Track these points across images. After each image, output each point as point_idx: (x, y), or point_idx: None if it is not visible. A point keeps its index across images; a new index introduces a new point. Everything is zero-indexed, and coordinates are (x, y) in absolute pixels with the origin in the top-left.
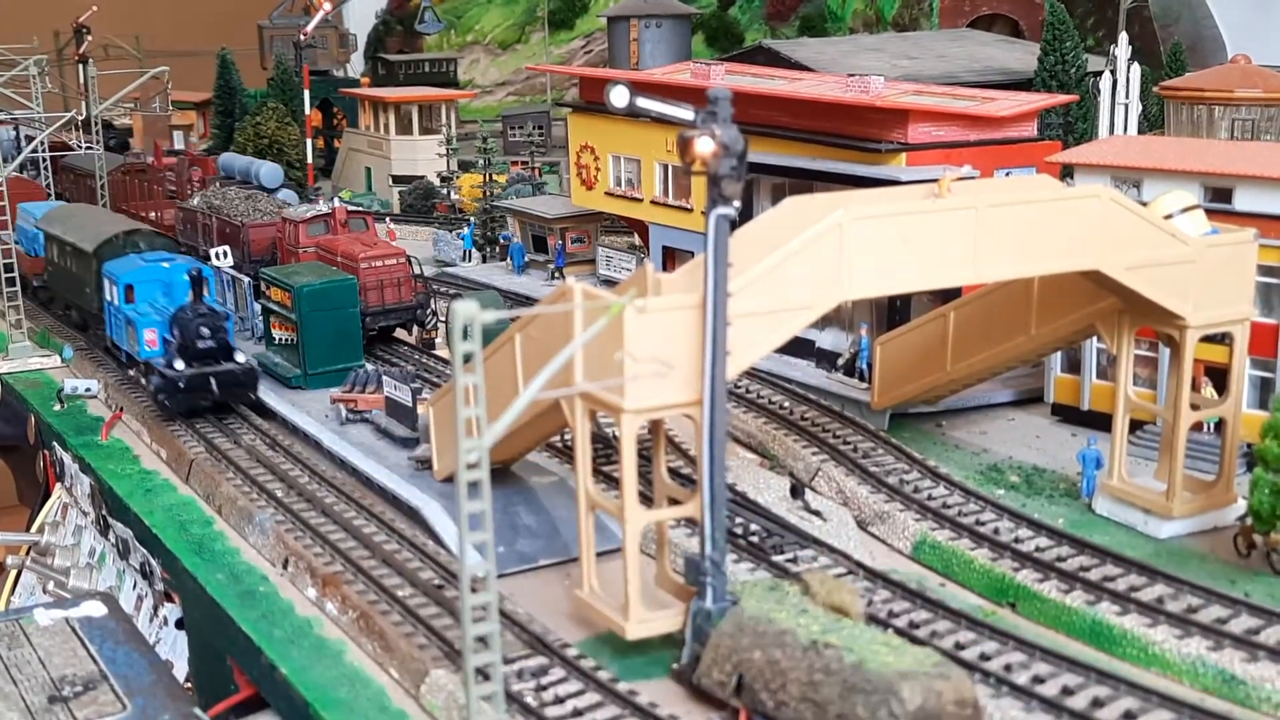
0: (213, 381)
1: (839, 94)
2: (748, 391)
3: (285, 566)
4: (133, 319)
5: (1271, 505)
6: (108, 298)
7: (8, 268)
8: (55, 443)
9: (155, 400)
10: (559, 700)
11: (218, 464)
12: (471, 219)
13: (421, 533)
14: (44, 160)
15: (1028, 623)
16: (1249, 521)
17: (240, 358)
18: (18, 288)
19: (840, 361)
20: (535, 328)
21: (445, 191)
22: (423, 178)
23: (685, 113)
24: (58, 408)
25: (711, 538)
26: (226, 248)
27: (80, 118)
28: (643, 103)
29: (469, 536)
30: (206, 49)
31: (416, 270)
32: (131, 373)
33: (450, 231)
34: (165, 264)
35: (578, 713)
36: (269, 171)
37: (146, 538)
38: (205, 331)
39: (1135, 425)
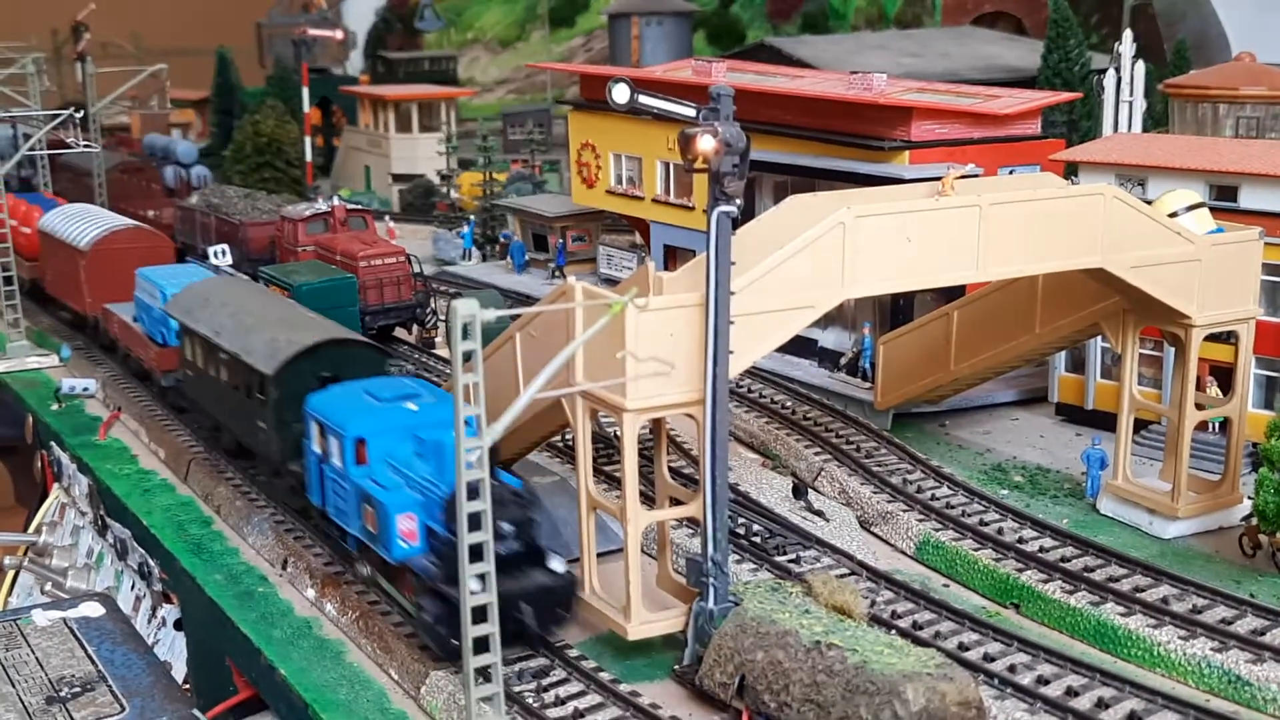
0: (523, 606)
1: (842, 91)
2: (750, 391)
3: (284, 567)
4: (372, 495)
5: (1277, 505)
6: (315, 449)
7: (4, 267)
8: (53, 442)
9: (432, 638)
10: (560, 701)
11: (216, 464)
12: (471, 217)
13: None
14: (41, 159)
15: (1032, 623)
16: (1254, 522)
17: (556, 563)
18: (15, 286)
19: (843, 361)
20: (536, 327)
21: (445, 190)
22: (422, 176)
23: (687, 110)
24: (55, 407)
25: (713, 538)
26: (225, 246)
27: (78, 115)
28: (644, 100)
29: (468, 537)
30: (205, 47)
31: (416, 269)
32: (364, 570)
33: (450, 230)
34: (411, 404)
35: (579, 714)
36: (185, 149)
37: (145, 538)
38: (506, 527)
39: (1140, 425)
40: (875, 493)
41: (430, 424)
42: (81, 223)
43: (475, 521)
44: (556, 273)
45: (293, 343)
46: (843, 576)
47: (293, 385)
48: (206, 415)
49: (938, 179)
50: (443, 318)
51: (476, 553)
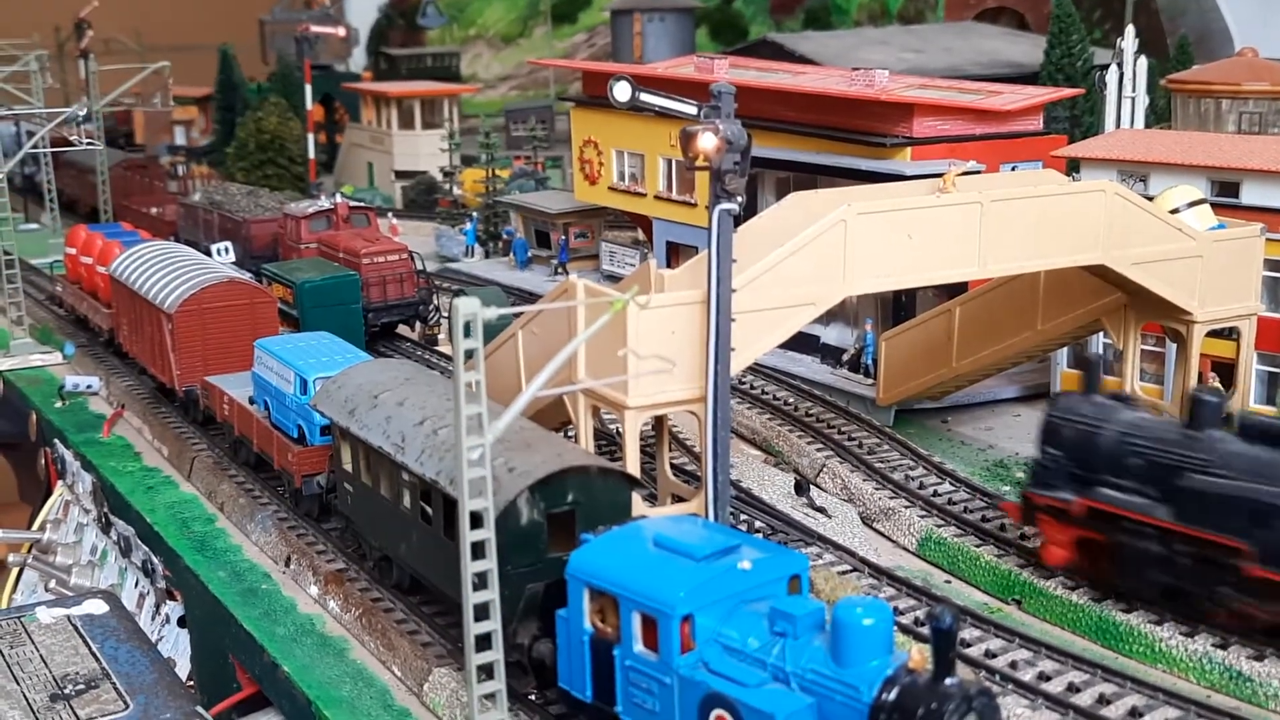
0: None
1: (843, 88)
2: (752, 387)
3: (287, 564)
4: (731, 697)
5: None
6: (587, 626)
7: (9, 264)
8: (57, 440)
9: None
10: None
11: (220, 462)
12: (474, 214)
13: None
14: (44, 157)
15: (1034, 619)
16: None
17: None
18: (18, 284)
19: (845, 357)
20: (538, 324)
21: (448, 186)
22: (425, 172)
23: (689, 107)
24: (59, 405)
25: None
26: (228, 243)
27: (82, 113)
28: (646, 97)
29: (470, 534)
30: (208, 44)
31: (419, 266)
32: None
33: (453, 227)
34: (743, 563)
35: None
36: None
37: (148, 535)
38: None
39: None
40: (877, 489)
41: (764, 581)
42: (161, 271)
43: (477, 520)
44: (559, 269)
45: (518, 473)
46: (845, 573)
47: (519, 529)
48: (367, 540)
49: (939, 175)
50: (445, 315)
51: (478, 550)
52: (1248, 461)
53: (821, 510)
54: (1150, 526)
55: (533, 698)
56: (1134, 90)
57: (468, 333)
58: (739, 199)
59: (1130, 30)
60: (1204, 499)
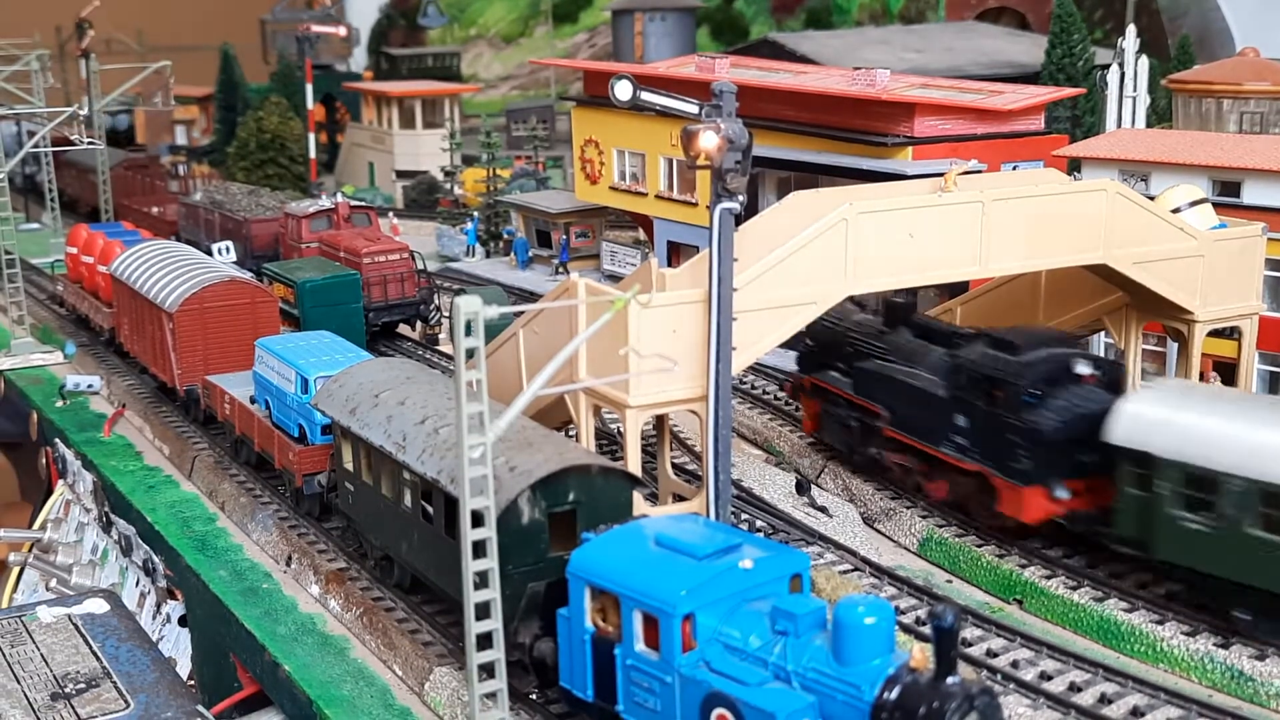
0: None
1: (845, 87)
2: (753, 387)
3: (288, 563)
4: (733, 696)
5: None
6: (588, 625)
7: (9, 264)
8: (57, 439)
9: None
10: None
11: (220, 461)
12: (475, 214)
13: None
14: (45, 156)
15: (1035, 619)
16: None
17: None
18: (19, 283)
19: None
20: (539, 323)
21: (449, 186)
22: (426, 172)
23: (690, 107)
24: (60, 404)
25: None
26: (229, 243)
27: (82, 113)
28: (647, 97)
29: (471, 533)
30: (209, 43)
31: (420, 265)
32: None
33: (454, 226)
34: (745, 562)
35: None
36: None
37: (149, 534)
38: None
39: None
40: (878, 489)
41: (782, 589)
42: (162, 270)
43: (478, 519)
44: (560, 269)
45: (520, 472)
46: (846, 572)
47: (520, 528)
48: (368, 540)
49: (941, 175)
50: (446, 314)
51: (479, 549)
52: (905, 350)
53: (823, 510)
54: (841, 397)
55: (534, 697)
56: (1135, 90)
57: (469, 332)
58: (740, 198)
59: (1131, 30)
60: (869, 376)
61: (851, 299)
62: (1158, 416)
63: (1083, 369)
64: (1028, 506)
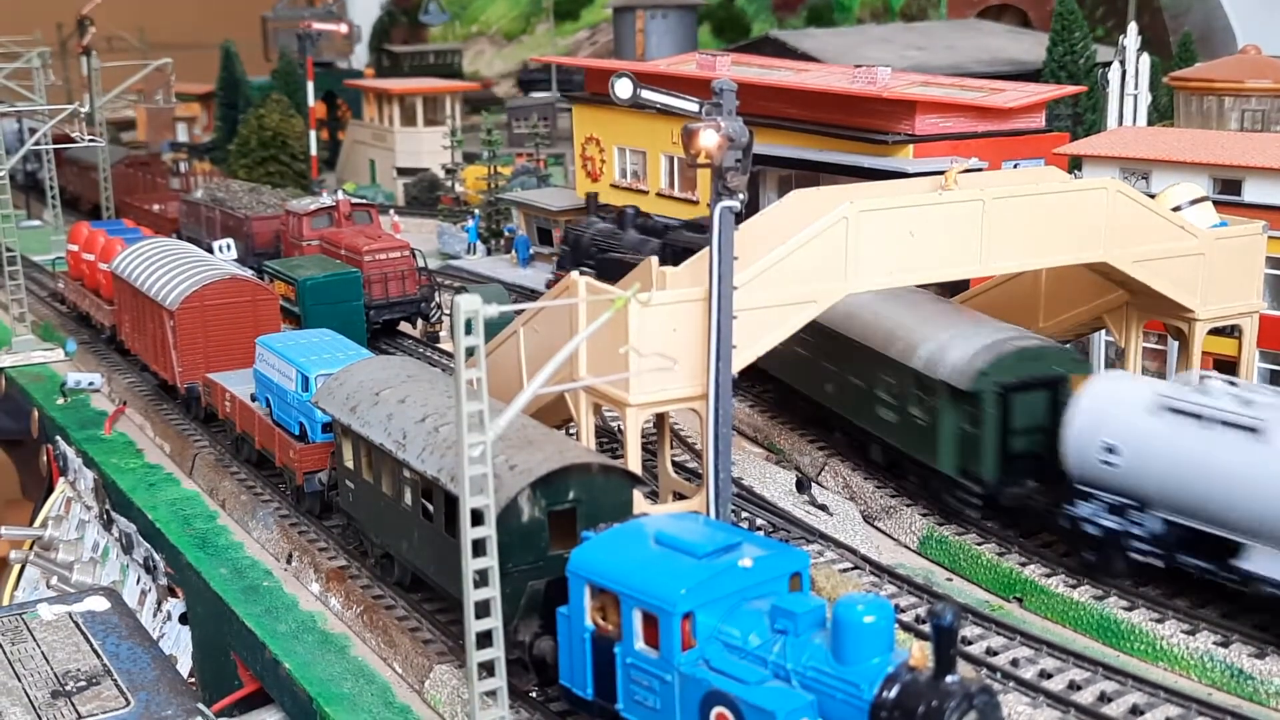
0: None
1: (846, 85)
2: (753, 385)
3: (289, 561)
4: (733, 695)
5: None
6: (588, 623)
7: (11, 261)
8: (58, 437)
9: None
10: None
11: (221, 459)
12: (476, 211)
13: None
14: (47, 154)
15: (1035, 617)
16: None
17: None
18: (21, 281)
19: None
20: (539, 321)
21: (450, 184)
22: (427, 170)
23: (690, 105)
24: (61, 402)
25: None
26: (230, 240)
27: (83, 110)
28: (647, 95)
29: (471, 532)
30: (210, 41)
31: (421, 263)
32: None
33: (455, 224)
34: (744, 560)
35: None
36: None
37: (150, 532)
38: None
39: None
40: (879, 487)
41: (781, 588)
42: (163, 268)
43: (478, 517)
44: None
45: (520, 470)
46: (846, 571)
47: (520, 526)
48: (369, 537)
49: (941, 173)
50: (447, 312)
51: (479, 548)
52: (631, 242)
53: (823, 508)
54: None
55: (534, 695)
56: (1136, 88)
57: (469, 330)
58: (741, 196)
59: (1133, 27)
60: (608, 264)
61: (594, 210)
62: None
63: None
64: None
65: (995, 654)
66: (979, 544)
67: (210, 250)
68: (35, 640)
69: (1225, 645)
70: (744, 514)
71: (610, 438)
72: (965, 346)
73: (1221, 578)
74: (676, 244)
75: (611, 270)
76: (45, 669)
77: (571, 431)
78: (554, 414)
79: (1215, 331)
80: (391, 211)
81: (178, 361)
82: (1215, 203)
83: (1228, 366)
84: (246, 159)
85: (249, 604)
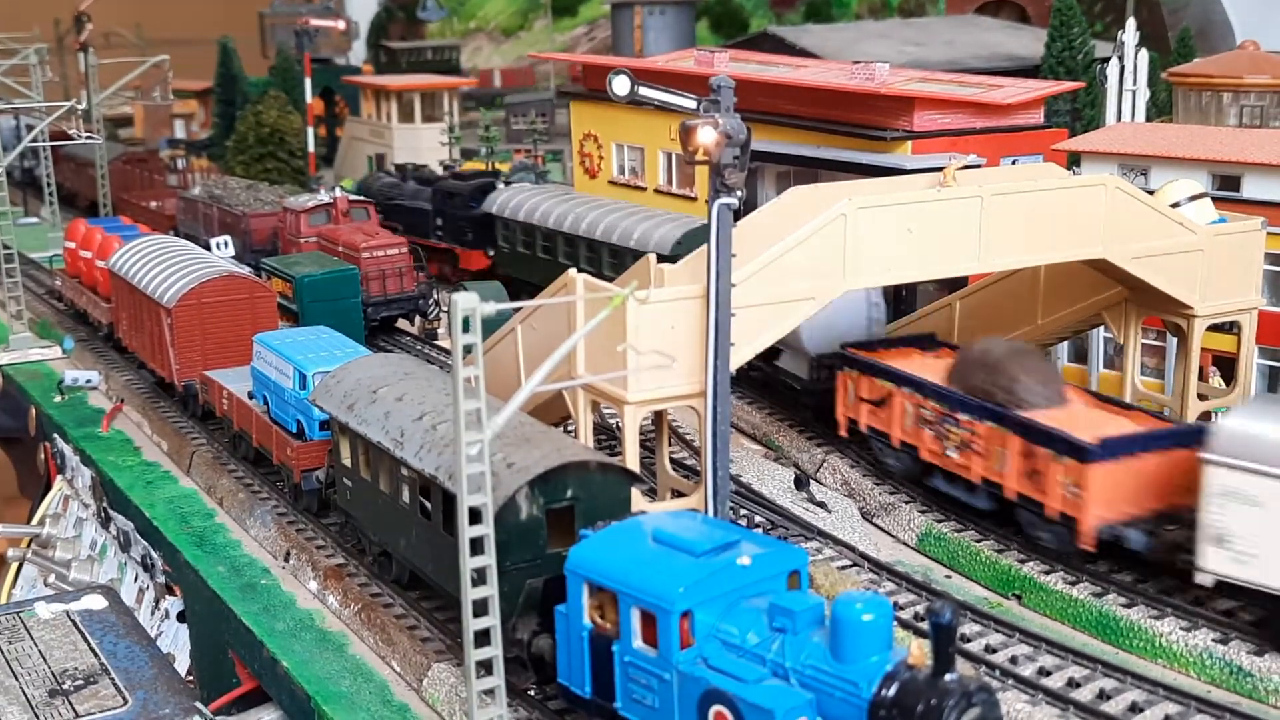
0: None
1: (844, 81)
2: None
3: (286, 559)
4: (730, 693)
5: None
6: (586, 622)
7: (8, 258)
8: (56, 435)
9: None
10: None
11: (219, 457)
12: None
13: None
14: (44, 151)
15: (1034, 614)
16: None
17: None
18: (18, 278)
19: None
20: (537, 319)
21: None
22: (426, 166)
23: (687, 102)
24: (58, 399)
25: None
26: (227, 237)
27: (81, 107)
28: (645, 91)
29: (469, 530)
30: (207, 37)
31: (418, 260)
32: None
33: None
34: (743, 558)
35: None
36: None
37: (148, 530)
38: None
39: None
40: (877, 484)
41: (780, 585)
42: (160, 265)
43: (476, 515)
44: None
45: (518, 468)
46: (844, 568)
47: (518, 524)
48: (366, 535)
49: (940, 169)
50: (444, 309)
51: (477, 546)
52: (410, 192)
53: (821, 505)
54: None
55: (532, 693)
56: (1135, 84)
57: (467, 328)
58: (739, 193)
59: (1131, 23)
60: (392, 209)
61: (383, 168)
62: None
63: None
64: (472, 261)
65: (994, 651)
66: (978, 541)
67: (208, 247)
68: (32, 638)
69: (1224, 642)
70: (742, 511)
71: (608, 435)
72: None
73: None
74: (442, 190)
75: (396, 214)
76: (42, 667)
77: (569, 429)
78: (552, 412)
79: (1214, 328)
80: None
81: (175, 359)
82: (1214, 199)
83: (1227, 363)
84: (244, 156)
85: (247, 602)
